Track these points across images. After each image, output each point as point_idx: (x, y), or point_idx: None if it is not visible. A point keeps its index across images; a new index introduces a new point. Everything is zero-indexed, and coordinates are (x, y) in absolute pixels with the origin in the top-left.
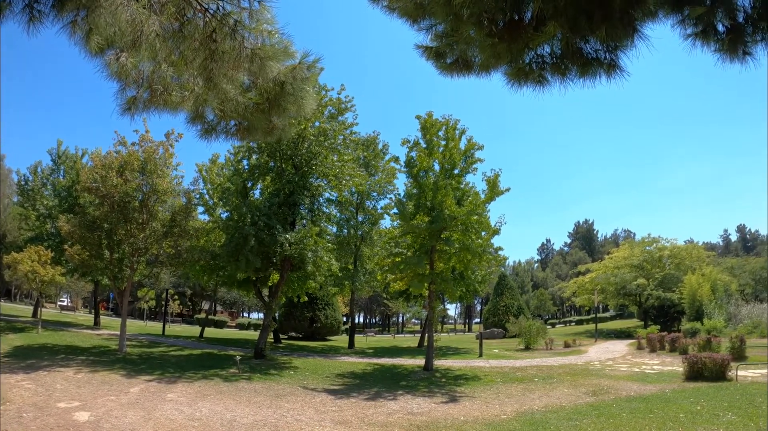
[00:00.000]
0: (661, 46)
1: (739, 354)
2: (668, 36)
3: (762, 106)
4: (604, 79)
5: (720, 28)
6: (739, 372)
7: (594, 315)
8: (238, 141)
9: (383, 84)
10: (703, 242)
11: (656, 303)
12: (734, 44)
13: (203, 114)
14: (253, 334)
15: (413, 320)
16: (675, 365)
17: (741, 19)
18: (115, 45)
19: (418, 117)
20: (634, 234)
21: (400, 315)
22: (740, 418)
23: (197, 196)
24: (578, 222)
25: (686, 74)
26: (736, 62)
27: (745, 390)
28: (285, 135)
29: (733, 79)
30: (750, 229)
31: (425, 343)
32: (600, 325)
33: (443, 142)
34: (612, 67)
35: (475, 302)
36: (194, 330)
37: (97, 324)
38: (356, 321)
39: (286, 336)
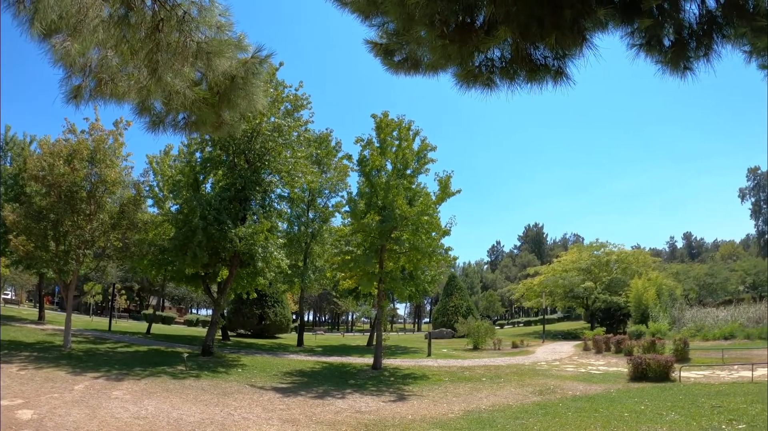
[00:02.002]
0: (612, 54)
1: (682, 356)
2: (617, 45)
3: (709, 115)
4: (551, 86)
5: (666, 42)
6: (682, 374)
7: (542, 317)
8: (186, 135)
9: (339, 81)
10: (650, 248)
11: (603, 305)
12: (677, 58)
13: (150, 106)
14: (201, 331)
15: (363, 319)
16: (620, 366)
17: (686, 35)
18: (61, 30)
19: (373, 116)
20: (583, 238)
21: (350, 313)
22: (683, 417)
23: (147, 188)
24: (528, 225)
25: (637, 81)
26: (676, 75)
27: (688, 390)
28: (234, 130)
29: (681, 88)
30: (695, 237)
31: (374, 342)
32: (548, 327)
33: (397, 142)
34: (559, 74)
35: (425, 302)
36: (141, 326)
37: (41, 318)
38: (306, 319)
39: (234, 334)
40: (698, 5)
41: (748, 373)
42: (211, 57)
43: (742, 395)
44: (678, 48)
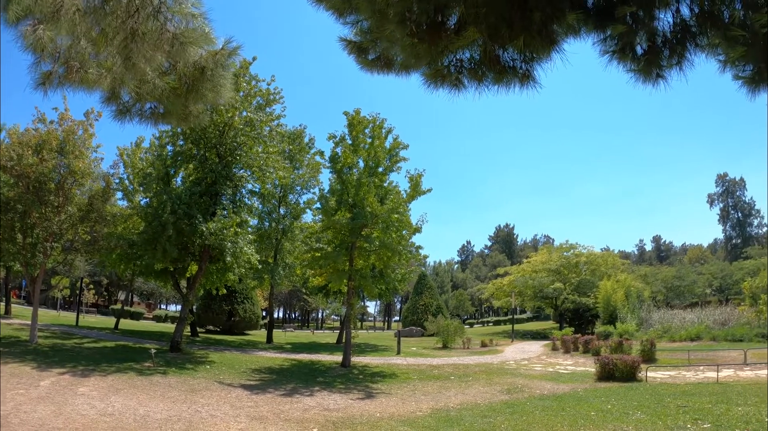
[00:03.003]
0: (586, 59)
1: (649, 357)
2: (590, 51)
3: (679, 122)
4: (518, 89)
5: (639, 50)
6: (649, 374)
7: (511, 317)
8: (152, 125)
9: (314, 78)
10: (619, 250)
11: (572, 306)
12: (649, 66)
13: (119, 94)
14: (170, 327)
15: (333, 316)
16: (588, 366)
17: (659, 43)
18: (33, 15)
19: (345, 113)
20: (553, 239)
21: (320, 311)
22: (649, 417)
23: (117, 181)
24: (499, 225)
25: (610, 87)
26: (648, 83)
27: (654, 390)
28: (200, 122)
29: (653, 95)
30: (665, 240)
31: (344, 340)
32: (517, 326)
33: (369, 140)
34: (526, 78)
35: (395, 300)
36: (109, 321)
37: (7, 312)
38: (276, 316)
39: (203, 330)
40: (672, 14)
41: (713, 374)
42: (186, 46)
43: (708, 395)
44: (651, 56)
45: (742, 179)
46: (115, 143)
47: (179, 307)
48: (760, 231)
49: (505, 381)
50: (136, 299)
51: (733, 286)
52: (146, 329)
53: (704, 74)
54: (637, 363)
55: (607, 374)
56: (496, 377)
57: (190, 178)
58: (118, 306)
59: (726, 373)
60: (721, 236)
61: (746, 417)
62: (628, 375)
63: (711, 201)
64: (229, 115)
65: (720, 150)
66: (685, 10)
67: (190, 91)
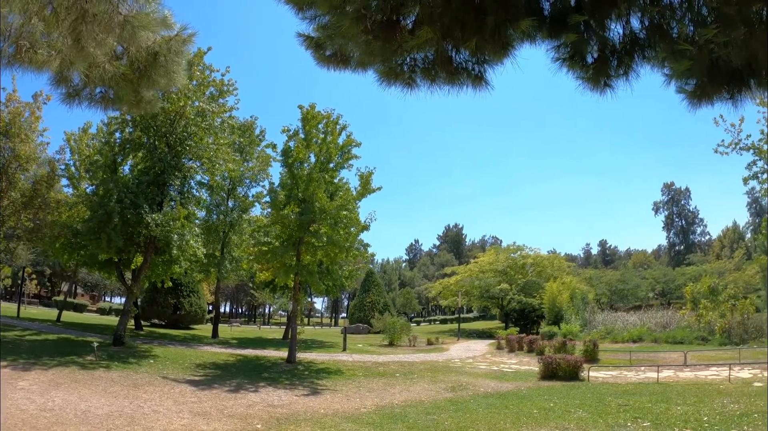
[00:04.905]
0: (539, 65)
1: (592, 357)
2: (543, 57)
3: (627, 131)
4: (470, 90)
5: (589, 58)
6: (591, 373)
7: (458, 316)
8: (102, 110)
9: (271, 72)
10: (566, 253)
11: (518, 306)
12: (598, 75)
13: (69, 77)
14: (114, 320)
15: (280, 312)
16: (532, 365)
17: (608, 53)
18: None
19: (300, 107)
20: (501, 241)
21: (267, 306)
22: (590, 415)
23: (62, 167)
24: (448, 225)
25: (562, 93)
26: (596, 91)
27: (596, 389)
28: (152, 108)
29: (601, 104)
30: (610, 245)
31: (290, 335)
32: (463, 325)
33: (322, 135)
34: (478, 80)
35: (342, 297)
36: (52, 313)
37: None
38: (222, 310)
39: (148, 323)
40: (623, 26)
41: (654, 374)
42: (137, 30)
43: (648, 395)
44: (600, 65)
45: (687, 188)
46: (62, 127)
47: (124, 300)
48: (703, 239)
49: (450, 379)
50: (79, 290)
51: (675, 291)
52: (90, 322)
53: (653, 86)
54: (579, 363)
55: (550, 373)
56: (441, 375)
57: (138, 167)
58: (61, 297)
59: (666, 374)
60: (665, 242)
61: (685, 416)
62: (571, 374)
63: (656, 208)
64: (181, 104)
65: (667, 159)
66: (635, 23)
67: (141, 77)
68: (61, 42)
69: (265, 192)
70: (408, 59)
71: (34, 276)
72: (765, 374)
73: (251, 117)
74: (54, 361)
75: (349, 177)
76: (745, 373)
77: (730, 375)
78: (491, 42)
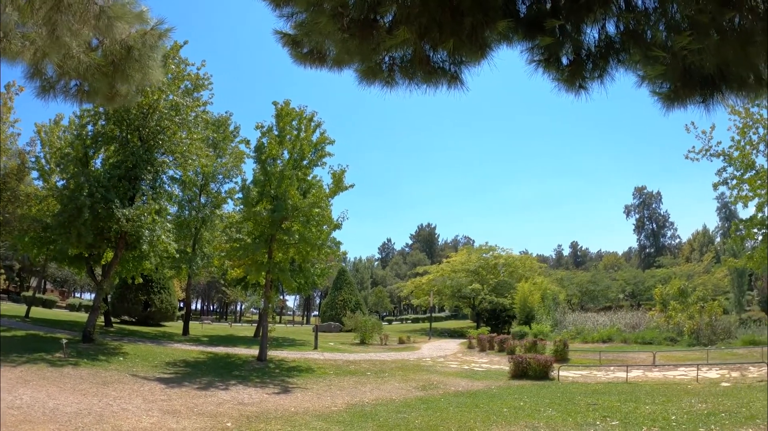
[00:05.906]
0: (515, 67)
1: (562, 357)
2: (518, 59)
3: (600, 134)
4: (446, 89)
5: (564, 60)
6: (561, 373)
7: (429, 315)
8: (78, 103)
9: (247, 68)
10: (537, 254)
11: (489, 306)
12: (573, 77)
13: (43, 69)
14: (83, 316)
15: (252, 309)
16: (503, 364)
17: (584, 56)
18: None
19: (274, 103)
20: (474, 241)
21: (239, 303)
22: (559, 413)
23: (33, 159)
24: (421, 224)
25: (537, 95)
26: (571, 93)
27: (566, 389)
28: (128, 103)
29: (575, 105)
30: (581, 246)
31: (261, 333)
32: (435, 324)
33: (296, 132)
34: (454, 79)
35: (314, 295)
36: (20, 309)
37: None
38: (193, 307)
39: (118, 320)
40: (599, 30)
41: (623, 374)
42: (113, 21)
43: (617, 394)
44: (575, 67)
45: (658, 192)
46: (33, 119)
47: (94, 296)
48: (673, 242)
49: (421, 377)
50: (49, 286)
51: (645, 292)
52: (59, 318)
53: (628, 90)
54: (550, 363)
55: (520, 372)
56: (412, 374)
57: (110, 161)
58: (30, 293)
59: (635, 374)
60: (635, 245)
61: (653, 416)
62: (541, 373)
63: (628, 211)
64: (155, 97)
65: (639, 164)
66: (610, 28)
67: (116, 71)
68: (35, 32)
69: (237, 188)
70: (387, 58)
71: (2, 271)
72: (733, 374)
73: (226, 112)
74: (22, 358)
75: (323, 174)
76: (713, 373)
77: (698, 375)
78: (468, 43)
